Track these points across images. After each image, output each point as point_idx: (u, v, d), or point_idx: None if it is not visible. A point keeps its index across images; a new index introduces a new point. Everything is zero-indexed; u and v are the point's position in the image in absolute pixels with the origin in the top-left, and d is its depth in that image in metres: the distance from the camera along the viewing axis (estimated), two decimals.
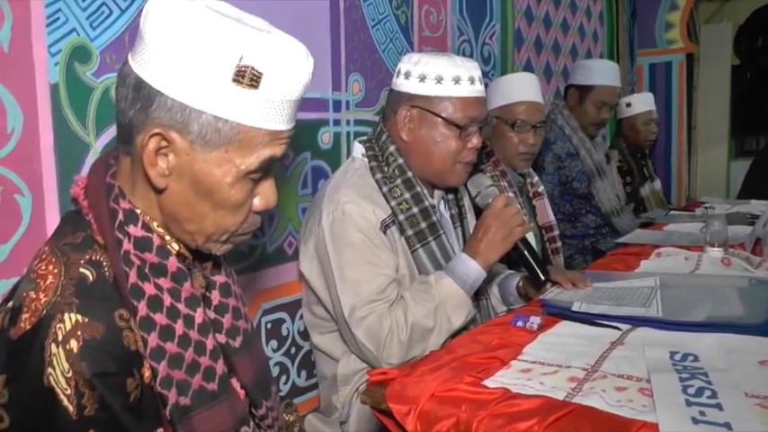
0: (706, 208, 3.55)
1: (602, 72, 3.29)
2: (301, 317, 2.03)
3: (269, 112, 0.95)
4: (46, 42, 1.35)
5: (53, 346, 0.84)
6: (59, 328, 0.85)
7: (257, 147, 0.96)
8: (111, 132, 1.48)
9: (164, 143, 0.93)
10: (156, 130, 0.92)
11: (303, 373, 2.12)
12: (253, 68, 0.91)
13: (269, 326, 1.99)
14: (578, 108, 3.27)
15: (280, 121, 0.97)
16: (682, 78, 5.24)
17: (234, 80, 0.91)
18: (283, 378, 2.05)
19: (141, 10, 1.49)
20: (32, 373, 0.84)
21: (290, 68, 0.96)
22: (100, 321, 0.88)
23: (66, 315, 0.86)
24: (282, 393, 2.02)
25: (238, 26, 0.93)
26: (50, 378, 0.84)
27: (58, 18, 1.37)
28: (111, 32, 1.48)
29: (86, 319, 0.87)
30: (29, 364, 0.85)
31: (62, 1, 1.38)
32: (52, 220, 1.37)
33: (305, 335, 2.06)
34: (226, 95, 0.92)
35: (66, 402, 0.84)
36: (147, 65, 0.92)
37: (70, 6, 1.39)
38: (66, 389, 0.84)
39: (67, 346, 0.84)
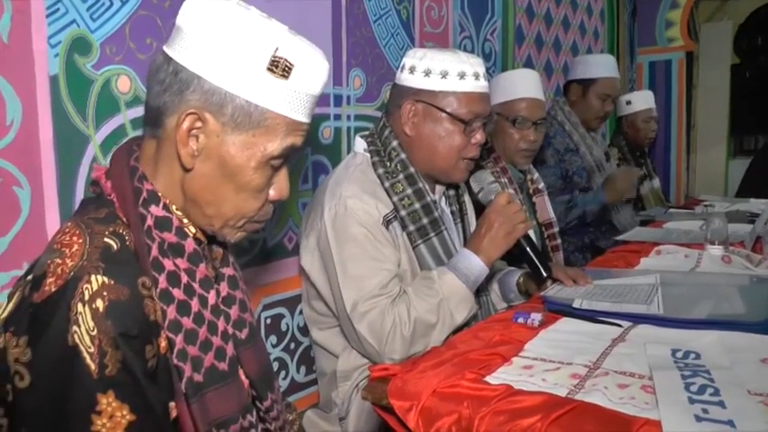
0: (706, 206, 3.57)
1: (602, 65, 3.32)
2: (301, 312, 2.03)
3: (295, 102, 1.03)
4: (46, 34, 1.34)
5: (79, 305, 0.87)
6: (86, 288, 0.88)
7: (281, 134, 1.03)
8: (112, 125, 1.48)
9: (198, 123, 0.99)
10: (192, 110, 0.99)
11: (302, 369, 2.11)
12: (286, 60, 1.00)
13: (268, 321, 1.98)
14: (581, 102, 3.28)
15: (302, 113, 1.05)
16: (681, 77, 5.24)
17: (268, 69, 0.99)
18: (282, 373, 2.05)
19: (143, 1, 1.51)
20: (57, 332, 0.86)
21: (316, 65, 1.05)
22: (125, 285, 0.91)
23: (93, 276, 0.89)
24: (282, 389, 2.01)
25: (273, 22, 1.02)
26: (75, 336, 0.86)
27: (57, 9, 1.36)
28: (112, 24, 1.47)
29: (112, 282, 0.90)
30: (53, 324, 0.87)
31: None
32: (51, 213, 1.37)
33: (304, 330, 2.06)
34: (259, 82, 0.99)
35: (88, 360, 0.86)
36: (186, 51, 0.99)
37: None
38: (89, 346, 0.86)
39: (94, 305, 0.87)
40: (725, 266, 2.02)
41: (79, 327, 0.86)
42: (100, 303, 0.87)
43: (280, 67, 0.99)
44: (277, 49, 0.99)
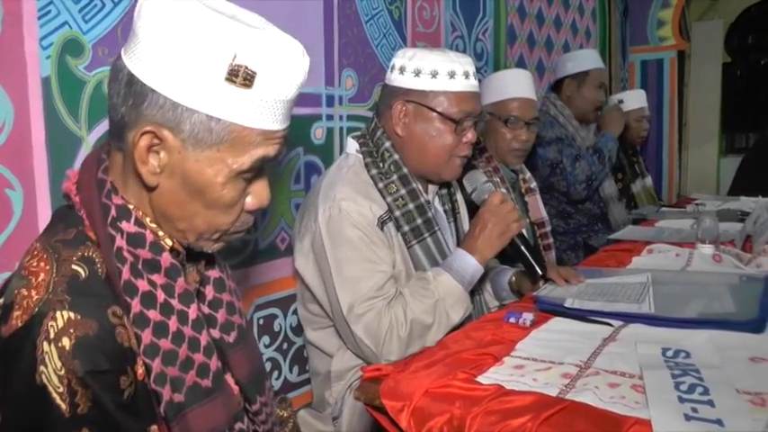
0: (697, 205, 3.58)
1: (591, 58, 3.43)
2: (294, 312, 2.03)
3: (262, 111, 0.94)
4: (38, 35, 1.34)
5: (45, 344, 0.83)
6: (51, 325, 0.84)
7: (250, 146, 0.95)
8: (104, 126, 1.47)
9: (155, 141, 0.92)
10: (148, 128, 0.91)
11: (295, 369, 2.12)
12: (246, 68, 0.90)
13: (261, 321, 1.99)
14: (577, 96, 3.34)
15: (273, 121, 0.96)
16: (673, 75, 5.26)
17: (227, 79, 0.89)
18: (275, 373, 2.05)
19: (135, 3, 1.49)
20: (24, 371, 0.83)
21: (285, 68, 0.95)
22: (93, 319, 0.87)
23: (59, 312, 0.85)
24: (275, 389, 2.01)
25: (232, 23, 0.91)
26: (42, 376, 0.83)
27: (49, 11, 1.36)
28: (104, 26, 1.47)
29: (79, 317, 0.86)
30: (21, 362, 0.84)
31: None
32: (44, 215, 1.37)
33: (297, 330, 2.06)
34: (218, 94, 0.90)
35: (58, 401, 0.83)
36: (139, 61, 0.90)
37: None
38: (58, 386, 0.83)
39: (60, 344, 0.83)
40: (715, 265, 2.03)
41: (46, 366, 0.83)
42: (66, 341, 0.84)
43: (240, 77, 0.90)
44: (235, 56, 0.89)
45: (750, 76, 6.24)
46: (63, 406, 0.83)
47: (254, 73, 0.91)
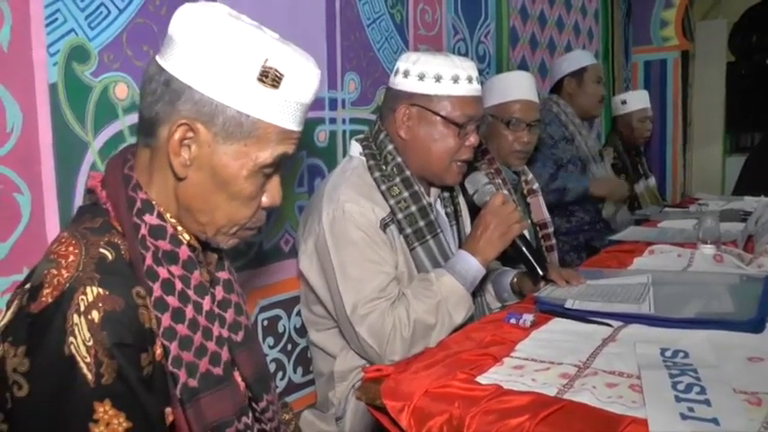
0: (700, 205, 3.59)
1: (586, 55, 3.53)
2: (297, 313, 2.05)
3: (286, 111, 1.04)
4: (45, 42, 1.37)
5: (75, 317, 0.88)
6: (82, 299, 0.90)
7: (272, 143, 1.05)
8: (110, 131, 1.50)
9: (189, 134, 1.01)
10: (183, 121, 1.00)
11: (299, 370, 2.13)
12: (276, 70, 1.01)
13: (265, 323, 2.01)
14: (579, 93, 3.38)
15: (293, 122, 1.06)
16: (677, 75, 5.27)
17: (258, 79, 1.00)
18: (280, 374, 2.07)
19: (140, 10, 1.53)
20: (54, 342, 0.88)
21: (306, 74, 1.06)
22: (119, 296, 0.92)
23: (89, 288, 0.91)
24: (279, 390, 2.03)
25: (262, 33, 1.03)
26: (71, 346, 0.87)
27: (56, 18, 1.38)
28: (110, 32, 1.49)
29: (107, 293, 0.91)
30: (50, 334, 0.88)
31: (61, 1, 1.39)
32: (51, 219, 1.39)
33: (301, 331, 2.08)
34: (250, 92, 1.00)
35: (85, 370, 0.87)
36: (177, 62, 1.00)
37: (69, 6, 1.40)
38: (85, 356, 0.87)
39: (89, 317, 0.89)
40: (717, 265, 2.04)
41: (75, 337, 0.87)
42: (95, 314, 0.89)
43: (270, 78, 1.01)
44: (267, 59, 1.00)
45: (754, 76, 6.23)
46: (89, 376, 0.88)
47: (282, 75, 1.02)
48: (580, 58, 3.43)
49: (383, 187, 1.79)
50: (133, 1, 1.54)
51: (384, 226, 1.74)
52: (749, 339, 1.34)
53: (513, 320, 1.51)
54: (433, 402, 1.11)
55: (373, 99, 2.35)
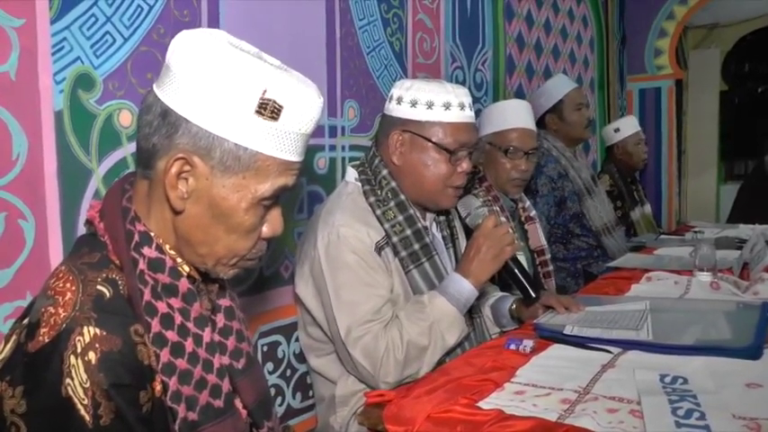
0: (695, 232, 3.61)
1: (559, 84, 3.34)
2: (297, 339, 2.05)
3: (285, 143, 1.02)
4: (51, 71, 1.38)
5: (72, 358, 0.88)
6: (78, 340, 0.89)
7: (272, 175, 1.03)
8: (113, 158, 1.51)
9: (186, 167, 0.99)
10: (180, 155, 0.98)
11: (298, 395, 2.13)
12: (275, 102, 0.99)
13: (265, 348, 2.01)
14: (563, 126, 3.28)
15: (293, 153, 1.04)
16: (671, 103, 5.31)
17: (257, 111, 0.98)
18: (279, 400, 2.06)
19: (144, 38, 1.55)
20: (51, 384, 0.87)
21: (306, 104, 1.03)
22: (117, 335, 0.91)
23: (86, 328, 0.90)
24: (278, 415, 2.03)
25: (261, 62, 1.00)
26: (68, 388, 0.87)
27: (63, 47, 1.40)
28: (114, 60, 1.51)
29: (104, 333, 0.90)
30: (47, 375, 0.88)
31: (68, 30, 1.41)
32: (54, 245, 1.40)
33: (300, 357, 2.08)
34: (247, 125, 0.98)
35: (83, 412, 0.87)
36: (174, 94, 0.98)
37: (75, 35, 1.42)
38: (83, 398, 0.87)
39: (86, 358, 0.88)
40: (713, 293, 2.06)
41: (72, 379, 0.87)
42: (92, 355, 0.88)
43: (268, 110, 0.99)
44: (265, 91, 0.98)
45: (748, 104, 6.31)
46: (87, 417, 0.87)
47: (281, 107, 1.00)
48: (555, 90, 3.31)
49: (378, 212, 1.80)
50: (138, 30, 1.56)
51: (379, 249, 1.76)
52: (747, 366, 1.36)
53: (513, 346, 1.52)
54: (436, 427, 1.12)
55: (372, 126, 2.37)
